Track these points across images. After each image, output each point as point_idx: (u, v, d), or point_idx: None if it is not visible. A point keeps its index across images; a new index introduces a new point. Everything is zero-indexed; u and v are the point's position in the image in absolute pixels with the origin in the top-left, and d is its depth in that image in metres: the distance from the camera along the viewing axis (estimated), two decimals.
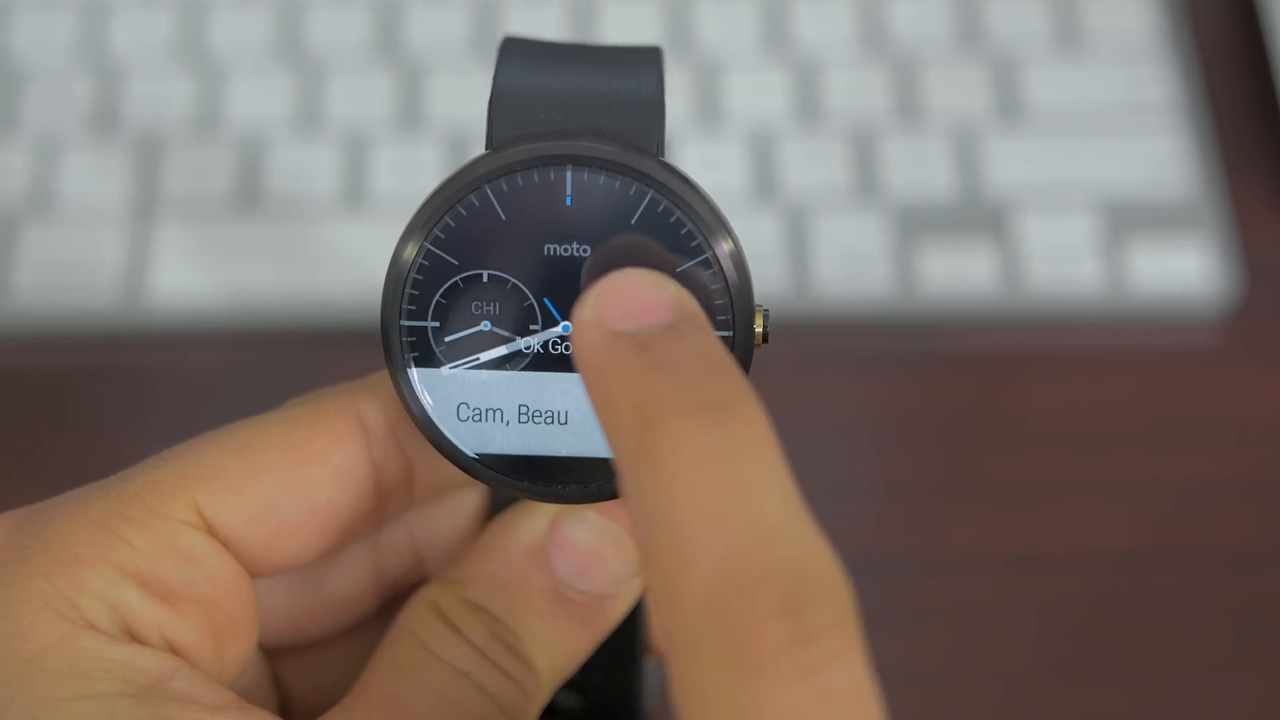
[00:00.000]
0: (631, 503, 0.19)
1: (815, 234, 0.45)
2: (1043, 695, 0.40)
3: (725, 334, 0.23)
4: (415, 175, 0.46)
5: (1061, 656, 0.40)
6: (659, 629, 0.19)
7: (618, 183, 0.23)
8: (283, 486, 0.24)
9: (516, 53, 0.24)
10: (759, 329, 0.23)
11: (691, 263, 0.23)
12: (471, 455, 0.24)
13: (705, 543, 0.18)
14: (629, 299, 0.20)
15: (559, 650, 0.25)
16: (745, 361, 0.23)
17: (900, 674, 0.40)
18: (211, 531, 0.23)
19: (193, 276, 0.44)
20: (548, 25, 0.49)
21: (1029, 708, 0.40)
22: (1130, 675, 0.40)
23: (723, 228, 0.23)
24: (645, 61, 0.24)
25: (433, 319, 0.24)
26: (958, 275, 0.44)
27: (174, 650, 0.23)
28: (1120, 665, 0.40)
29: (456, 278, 0.24)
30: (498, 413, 0.24)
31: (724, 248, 0.23)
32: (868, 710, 0.18)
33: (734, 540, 0.18)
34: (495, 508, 0.26)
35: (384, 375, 0.25)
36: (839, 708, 0.18)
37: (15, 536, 0.23)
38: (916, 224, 0.45)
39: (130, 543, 0.22)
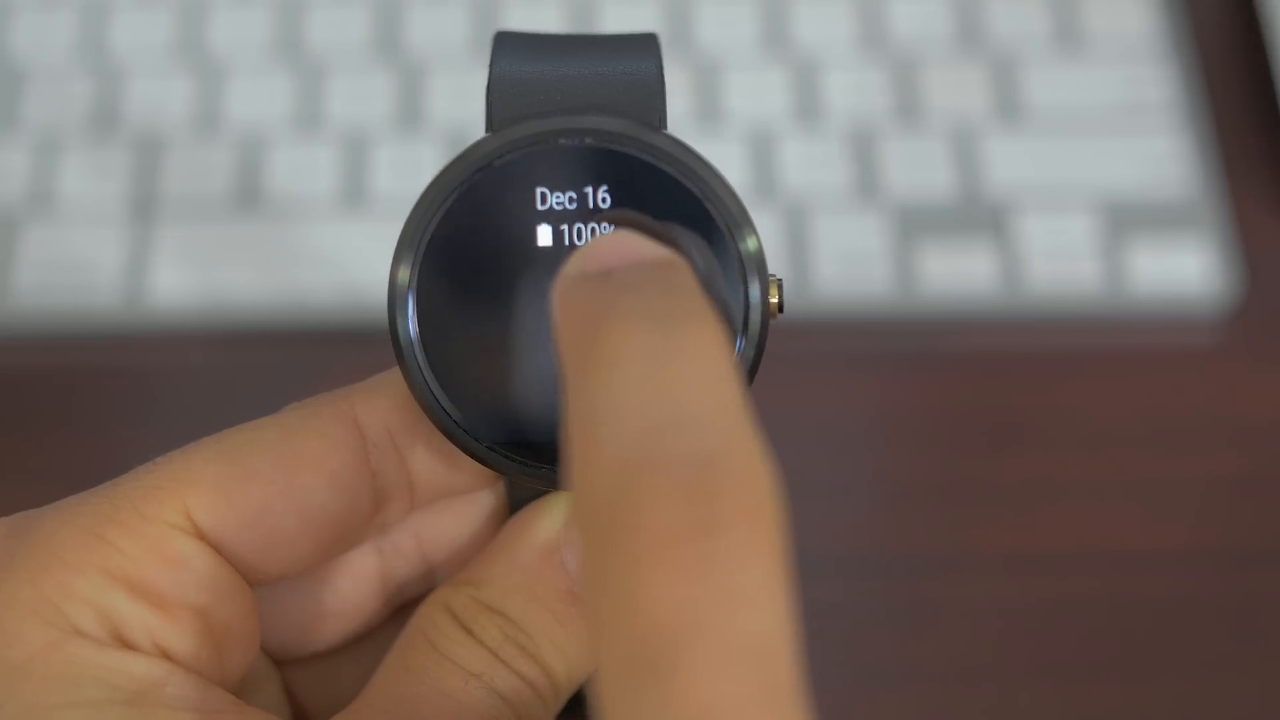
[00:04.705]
0: (565, 408, 0.18)
1: (815, 234, 0.45)
2: (1041, 695, 0.40)
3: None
4: (415, 175, 0.46)
5: (1060, 656, 0.40)
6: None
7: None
8: (276, 492, 0.23)
9: (511, 43, 0.24)
10: (773, 299, 0.23)
11: (700, 233, 0.23)
12: (484, 444, 0.23)
13: (617, 429, 0.17)
14: (612, 249, 0.19)
15: (574, 652, 0.24)
16: (761, 329, 0.23)
17: (900, 674, 0.40)
18: (202, 536, 0.23)
19: (192, 276, 0.44)
20: (547, 25, 0.49)
21: (1027, 708, 0.39)
22: (1129, 675, 0.40)
23: (734, 201, 0.23)
24: (642, 44, 0.24)
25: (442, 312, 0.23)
26: (957, 275, 0.44)
27: (168, 656, 0.22)
28: (1119, 665, 0.40)
29: (466, 267, 0.23)
30: (509, 399, 0.23)
31: (737, 219, 0.23)
32: (770, 615, 0.16)
33: (646, 427, 0.17)
34: (514, 506, 0.26)
35: (380, 378, 0.25)
36: (733, 609, 0.16)
37: (3, 543, 0.22)
38: (916, 224, 0.45)
39: (118, 547, 0.22)
